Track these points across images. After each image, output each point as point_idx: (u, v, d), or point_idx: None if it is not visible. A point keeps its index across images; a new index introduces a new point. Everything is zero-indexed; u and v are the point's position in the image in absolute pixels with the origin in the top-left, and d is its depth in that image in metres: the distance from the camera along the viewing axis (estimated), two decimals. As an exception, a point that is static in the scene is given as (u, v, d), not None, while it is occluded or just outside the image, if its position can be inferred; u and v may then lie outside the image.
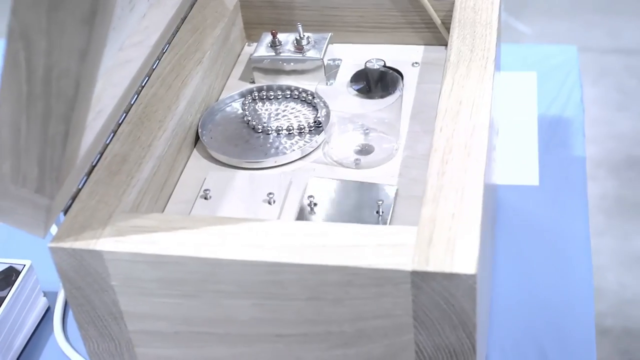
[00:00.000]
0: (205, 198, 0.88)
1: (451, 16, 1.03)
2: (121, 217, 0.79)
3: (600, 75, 2.69)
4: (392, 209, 0.85)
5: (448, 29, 1.07)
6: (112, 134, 0.89)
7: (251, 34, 1.13)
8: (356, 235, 0.74)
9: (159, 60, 0.99)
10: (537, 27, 2.94)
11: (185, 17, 1.06)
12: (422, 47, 1.09)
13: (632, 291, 2.04)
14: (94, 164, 0.85)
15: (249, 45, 1.13)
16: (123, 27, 0.87)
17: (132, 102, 0.93)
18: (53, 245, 0.76)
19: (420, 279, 0.70)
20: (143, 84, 0.95)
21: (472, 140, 0.82)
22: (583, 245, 1.12)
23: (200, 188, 0.90)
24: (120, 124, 0.90)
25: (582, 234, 1.14)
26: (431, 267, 0.70)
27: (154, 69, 0.97)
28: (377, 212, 0.84)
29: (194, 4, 1.09)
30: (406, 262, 0.71)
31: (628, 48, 2.81)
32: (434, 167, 0.80)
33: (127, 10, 0.88)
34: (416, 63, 1.07)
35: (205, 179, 0.92)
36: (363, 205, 0.86)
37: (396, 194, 0.87)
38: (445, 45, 1.07)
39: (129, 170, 0.84)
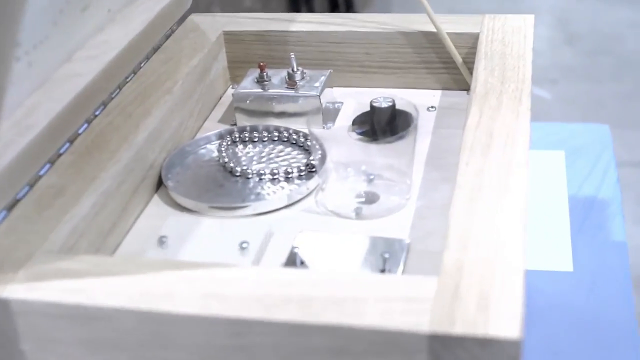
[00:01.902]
0: (161, 245, 0.69)
1: (474, 54, 0.86)
2: (44, 258, 0.60)
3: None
4: (401, 265, 0.66)
5: (470, 70, 0.89)
6: (48, 166, 0.70)
7: (237, 75, 0.95)
8: (354, 284, 0.54)
9: (120, 89, 0.81)
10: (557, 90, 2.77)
11: (158, 47, 0.89)
12: (439, 91, 0.92)
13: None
14: (18, 197, 0.66)
15: (233, 87, 0.95)
16: (68, 28, 0.69)
17: (79, 132, 0.74)
18: (-58, 288, 0.56)
19: (441, 346, 0.50)
20: (96, 113, 0.77)
21: (508, 178, 0.64)
22: (629, 337, 0.93)
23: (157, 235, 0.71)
24: (60, 155, 0.71)
25: (627, 325, 0.94)
26: (458, 329, 0.50)
27: (112, 98, 0.79)
28: (382, 270, 0.65)
29: (170, 35, 0.92)
30: (423, 321, 0.51)
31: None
32: (459, 206, 0.61)
33: (78, 10, 0.70)
34: (432, 107, 0.89)
35: (162, 224, 0.72)
36: (364, 262, 0.66)
37: (407, 248, 0.68)
38: (467, 89, 0.90)
39: (63, 205, 0.65)
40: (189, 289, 0.55)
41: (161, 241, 0.69)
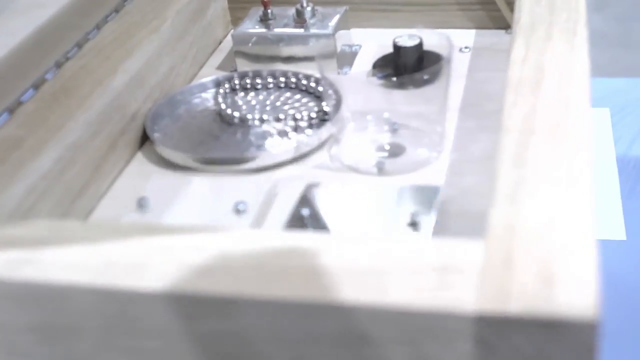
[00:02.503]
0: (141, 208, 0.57)
1: (514, -15, 0.73)
2: (-13, 224, 0.48)
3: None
4: (434, 223, 0.53)
5: (510, 5, 0.77)
6: (5, 114, 0.58)
7: (239, 17, 0.83)
8: (375, 250, 0.42)
9: (99, 29, 0.69)
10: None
11: (145, -16, 0.77)
12: (473, 31, 0.79)
13: None
14: (-34, 150, 0.54)
15: (231, 34, 0.82)
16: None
17: (46, 77, 0.62)
18: None
19: (492, 330, 0.38)
20: (68, 55, 0.65)
21: (567, 119, 0.51)
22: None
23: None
24: (22, 103, 0.59)
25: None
26: (514, 308, 0.37)
27: (88, 39, 0.67)
28: (412, 225, 0.52)
29: (159, -30, 0.79)
30: (467, 297, 0.38)
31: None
32: (507, 154, 0.48)
33: None
34: (466, 48, 0.76)
35: (145, 185, 0.60)
36: (387, 221, 0.54)
37: (440, 202, 0.55)
38: (505, 28, 0.77)
39: (18, 159, 0.53)
40: (165, 260, 0.43)
41: (141, 204, 0.57)
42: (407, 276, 0.40)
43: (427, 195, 0.55)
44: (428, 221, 0.53)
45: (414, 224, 0.52)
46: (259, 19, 0.75)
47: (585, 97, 0.54)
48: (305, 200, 0.56)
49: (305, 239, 0.44)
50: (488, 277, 0.39)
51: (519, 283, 0.38)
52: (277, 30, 0.74)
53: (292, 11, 0.75)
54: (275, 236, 0.44)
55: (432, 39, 0.70)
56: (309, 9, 0.74)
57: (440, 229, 0.54)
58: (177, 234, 0.45)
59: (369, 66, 0.72)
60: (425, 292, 0.39)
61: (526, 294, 0.38)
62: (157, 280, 0.42)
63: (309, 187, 0.58)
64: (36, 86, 0.61)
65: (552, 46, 0.59)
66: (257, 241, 0.43)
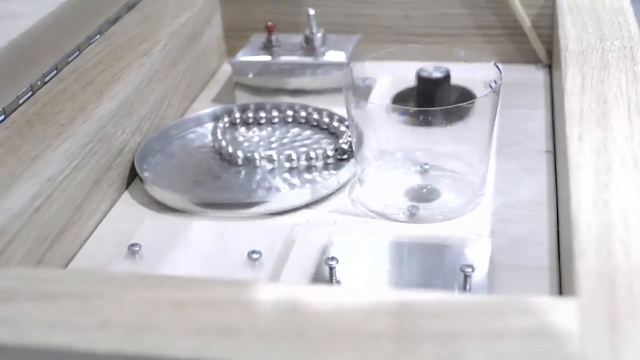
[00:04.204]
0: (133, 256, 0.47)
1: (545, 16, 0.66)
2: (-56, 273, 0.38)
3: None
4: (488, 283, 0.44)
5: (541, 38, 0.69)
6: (-29, 142, 0.48)
7: (235, 47, 0.74)
8: (448, 311, 0.33)
9: (80, 51, 0.60)
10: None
11: (133, 6, 0.68)
12: (501, 66, 0.71)
13: None
14: None
15: (230, 62, 0.73)
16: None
17: (20, 101, 0.53)
18: None
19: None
20: (46, 78, 0.55)
21: (647, 153, 0.43)
22: None
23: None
24: (-9, 130, 0.50)
25: None
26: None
27: (69, 61, 0.58)
28: (464, 286, 0.43)
29: (149, -9, 0.71)
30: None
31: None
32: (584, 195, 0.40)
33: None
34: (494, 82, 0.68)
35: (135, 229, 0.51)
36: (434, 277, 0.45)
37: (490, 260, 0.46)
38: (536, 63, 0.69)
39: (-16, 196, 0.43)
40: (175, 321, 0.34)
41: (132, 250, 0.47)
42: (485, 340, 0.31)
43: (476, 248, 0.47)
44: (480, 276, 0.44)
45: (464, 280, 0.43)
46: (261, 46, 0.67)
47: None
48: (330, 249, 0.47)
49: (355, 292, 0.34)
50: (591, 344, 0.30)
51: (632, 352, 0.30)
52: (284, 58, 0.65)
53: (299, 38, 0.66)
54: (311, 291, 0.35)
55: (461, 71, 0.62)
56: (319, 35, 0.65)
57: (493, 286, 0.45)
58: (186, 288, 0.35)
59: (387, 100, 0.64)
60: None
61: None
62: (162, 347, 0.32)
63: (333, 234, 0.49)
64: (7, 111, 0.52)
65: (611, 76, 0.51)
66: (290, 293, 0.34)
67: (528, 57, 0.70)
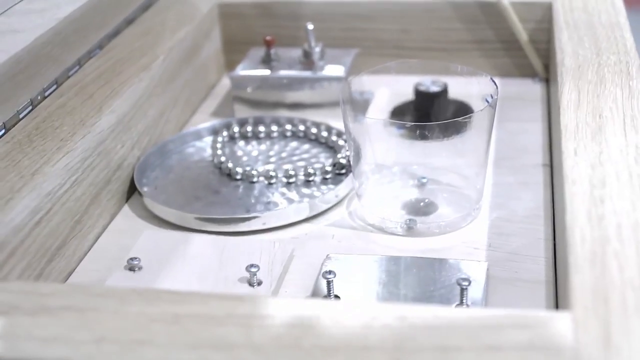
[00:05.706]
0: (132, 270, 0.47)
1: (542, 30, 0.67)
2: (-57, 287, 0.38)
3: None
4: (484, 297, 0.45)
5: (538, 52, 0.69)
6: (-29, 157, 0.49)
7: (234, 60, 0.74)
8: (444, 325, 0.33)
9: (81, 66, 0.60)
10: None
11: (132, 20, 0.68)
12: (497, 80, 0.71)
13: None
14: None
15: (229, 76, 0.74)
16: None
17: (20, 116, 0.53)
18: None
19: None
20: (46, 93, 0.56)
21: (642, 168, 0.43)
22: None
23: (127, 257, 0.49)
24: (-9, 145, 0.50)
25: None
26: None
27: (69, 76, 0.58)
28: (461, 299, 0.44)
29: (149, 6, 0.71)
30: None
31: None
32: (581, 210, 0.40)
33: None
34: (491, 97, 0.68)
35: (134, 243, 0.51)
36: (431, 291, 0.45)
37: (487, 274, 0.47)
38: (532, 77, 0.70)
39: (-16, 210, 0.44)
40: (172, 335, 0.34)
41: (131, 264, 0.47)
42: (484, 354, 0.31)
43: (473, 261, 0.47)
44: (477, 290, 0.45)
45: (461, 293, 0.44)
46: (260, 60, 0.67)
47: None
48: (328, 263, 0.47)
49: (362, 306, 0.35)
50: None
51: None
52: (282, 72, 0.65)
53: (298, 52, 0.67)
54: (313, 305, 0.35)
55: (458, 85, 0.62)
56: (317, 49, 0.66)
57: (490, 299, 0.45)
58: (184, 302, 0.35)
59: (384, 114, 0.64)
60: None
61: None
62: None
63: (331, 248, 0.49)
64: (7, 125, 0.52)
65: (607, 91, 0.52)
66: (285, 310, 0.34)
67: (525, 71, 0.70)
